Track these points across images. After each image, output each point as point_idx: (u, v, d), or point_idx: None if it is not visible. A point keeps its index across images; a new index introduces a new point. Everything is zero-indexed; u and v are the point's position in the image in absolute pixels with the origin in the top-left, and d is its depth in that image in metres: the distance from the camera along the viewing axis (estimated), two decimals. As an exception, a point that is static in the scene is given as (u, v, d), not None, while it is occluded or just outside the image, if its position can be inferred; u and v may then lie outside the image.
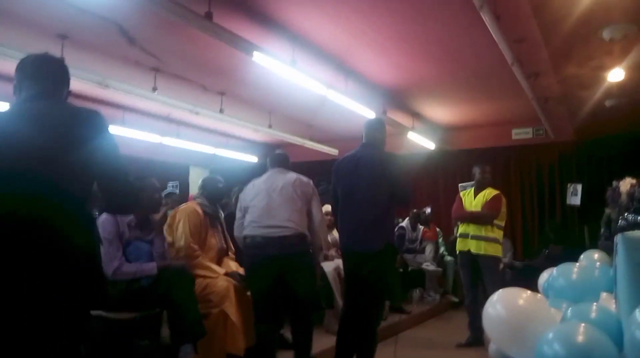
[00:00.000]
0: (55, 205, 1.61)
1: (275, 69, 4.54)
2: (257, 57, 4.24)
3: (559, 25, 3.91)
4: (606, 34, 4.00)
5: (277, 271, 3.24)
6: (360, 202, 3.29)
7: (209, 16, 3.75)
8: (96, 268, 1.75)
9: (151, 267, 3.12)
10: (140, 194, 2.25)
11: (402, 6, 4.09)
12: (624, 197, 2.70)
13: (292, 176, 3.49)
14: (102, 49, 4.90)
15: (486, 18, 3.62)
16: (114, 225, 3.12)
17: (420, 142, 8.03)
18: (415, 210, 7.14)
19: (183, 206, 3.76)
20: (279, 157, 3.65)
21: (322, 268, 4.65)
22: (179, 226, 3.55)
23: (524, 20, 4.15)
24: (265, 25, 4.36)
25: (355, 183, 3.32)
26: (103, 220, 3.11)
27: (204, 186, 3.83)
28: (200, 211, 3.66)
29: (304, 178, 3.52)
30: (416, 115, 7.60)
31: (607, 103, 6.05)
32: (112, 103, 6.59)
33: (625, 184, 2.71)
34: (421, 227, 7.14)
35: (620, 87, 5.46)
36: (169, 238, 3.50)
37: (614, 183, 2.89)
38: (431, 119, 8.02)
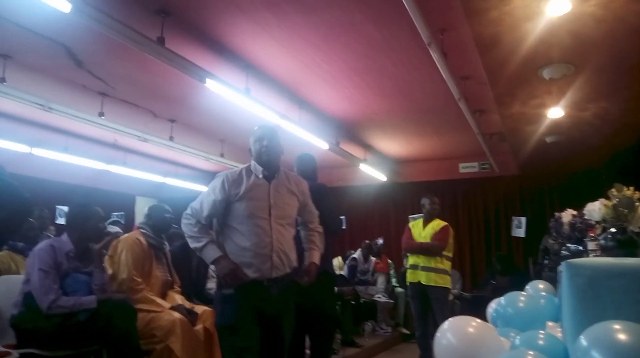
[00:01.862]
0: None
1: (229, 96, 4.51)
2: (210, 84, 4.20)
3: (503, 64, 4.11)
4: (546, 74, 4.24)
5: None
6: None
7: (161, 41, 3.71)
8: None
9: (90, 300, 2.92)
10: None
11: (354, 41, 4.20)
12: (566, 228, 2.81)
13: None
14: (47, 71, 4.73)
15: (434, 55, 3.76)
16: (51, 255, 2.92)
17: (372, 174, 8.14)
18: (367, 241, 7.16)
19: (125, 236, 3.57)
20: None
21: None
22: (121, 257, 3.35)
23: (469, 58, 4.35)
24: (219, 52, 4.35)
25: None
26: (39, 250, 2.91)
27: (149, 215, 3.64)
28: (143, 241, 3.47)
29: None
30: (368, 147, 7.73)
31: (548, 139, 6.37)
32: (54, 128, 6.33)
33: (567, 216, 2.83)
34: (373, 259, 7.16)
35: (559, 124, 5.77)
36: (110, 270, 3.31)
37: (556, 215, 3.01)
38: (383, 152, 8.18)
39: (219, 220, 2.52)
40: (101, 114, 5.38)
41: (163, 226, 3.64)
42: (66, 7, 3.02)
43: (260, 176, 2.52)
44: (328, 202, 3.43)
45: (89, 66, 4.63)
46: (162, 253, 3.66)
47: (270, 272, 2.41)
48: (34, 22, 3.77)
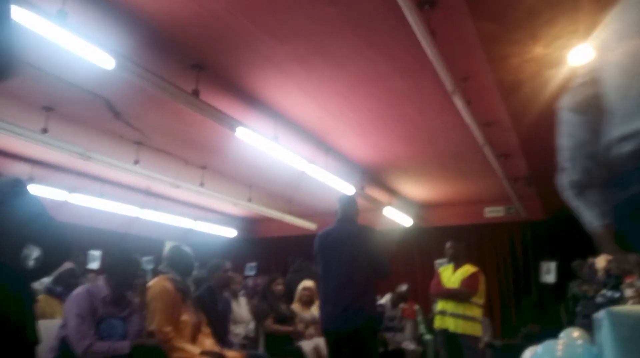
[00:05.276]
0: None
1: (258, 144, 4.65)
2: (241, 132, 4.36)
3: (527, 110, 4.17)
4: (571, 119, 4.27)
5: None
6: (339, 279, 3.27)
7: (195, 93, 3.90)
8: (23, 331, 1.71)
9: (123, 346, 2.97)
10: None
11: (379, 90, 4.33)
12: (600, 274, 2.77)
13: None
14: (86, 121, 4.97)
15: (457, 102, 3.84)
16: (87, 300, 2.99)
17: (397, 218, 8.13)
18: (404, 287, 7.05)
19: (152, 282, 3.50)
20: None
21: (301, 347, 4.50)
22: (150, 307, 3.36)
23: (493, 105, 4.42)
24: (250, 103, 4.53)
25: (335, 260, 3.31)
26: (76, 295, 2.99)
27: (174, 258, 3.56)
28: (170, 287, 3.42)
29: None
30: (393, 192, 7.76)
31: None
32: (91, 175, 6.57)
33: (601, 261, 2.79)
34: (401, 305, 7.03)
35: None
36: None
37: (590, 260, 2.97)
38: (408, 197, 8.19)
39: None
40: (136, 162, 5.59)
41: (189, 269, 3.61)
42: (110, 64, 3.22)
43: None
44: (375, 245, 3.43)
45: (126, 116, 4.85)
46: (188, 296, 3.64)
47: None
48: (76, 76, 4.00)
